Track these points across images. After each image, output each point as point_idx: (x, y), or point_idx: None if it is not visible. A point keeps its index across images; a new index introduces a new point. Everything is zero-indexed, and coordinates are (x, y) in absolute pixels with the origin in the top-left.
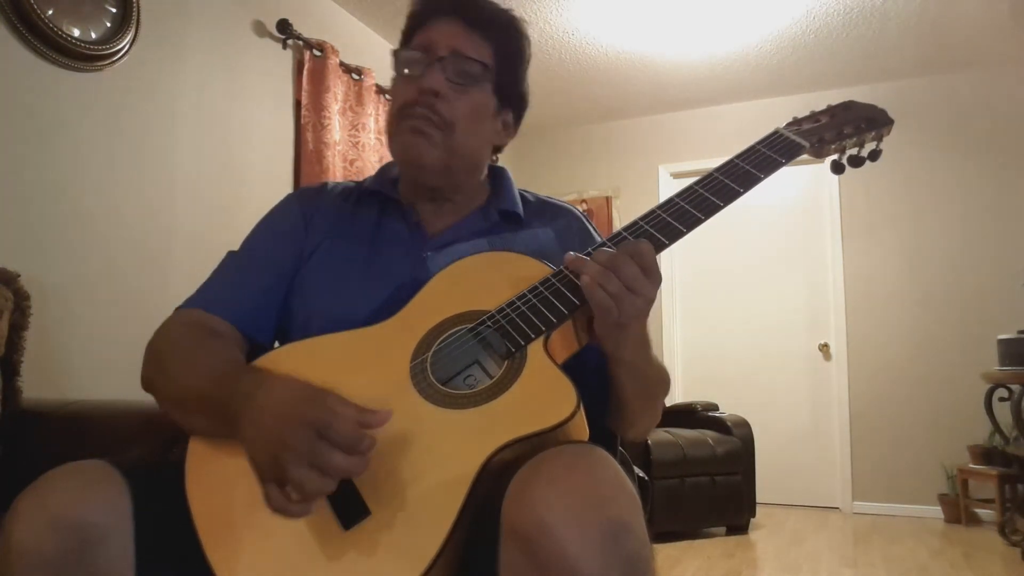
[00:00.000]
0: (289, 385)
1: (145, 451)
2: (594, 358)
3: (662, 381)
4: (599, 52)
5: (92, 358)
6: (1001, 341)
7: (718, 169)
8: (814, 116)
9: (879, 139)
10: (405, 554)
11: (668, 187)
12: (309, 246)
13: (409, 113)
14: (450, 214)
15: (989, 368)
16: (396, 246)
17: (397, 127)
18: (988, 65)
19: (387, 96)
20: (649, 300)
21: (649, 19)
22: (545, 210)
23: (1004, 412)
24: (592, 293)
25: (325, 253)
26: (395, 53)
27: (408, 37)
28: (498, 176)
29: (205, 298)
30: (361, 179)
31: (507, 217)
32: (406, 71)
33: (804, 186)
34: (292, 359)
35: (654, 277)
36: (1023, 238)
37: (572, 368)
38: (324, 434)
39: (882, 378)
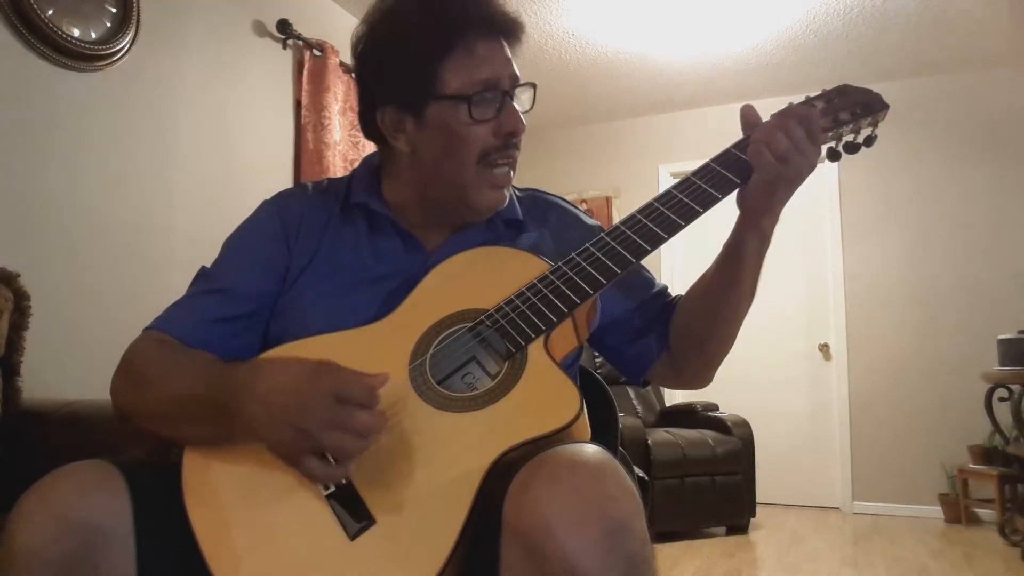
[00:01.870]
0: (290, 365)
1: (145, 451)
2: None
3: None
4: (599, 52)
5: (92, 358)
6: (1001, 341)
7: (715, 159)
8: (809, 102)
9: (875, 124)
10: (412, 564)
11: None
12: (296, 265)
13: (494, 162)
14: (446, 226)
15: (989, 368)
16: (393, 265)
17: (478, 177)
18: (988, 65)
19: None
20: (812, 164)
21: (649, 20)
22: (536, 207)
23: (1004, 412)
24: (760, 151)
25: (315, 273)
26: (460, 96)
27: (432, 60)
28: None
29: (171, 323)
30: (341, 176)
31: (509, 224)
32: (477, 115)
33: (804, 186)
34: None
35: (818, 142)
36: (1023, 238)
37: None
38: (343, 398)
39: (882, 378)
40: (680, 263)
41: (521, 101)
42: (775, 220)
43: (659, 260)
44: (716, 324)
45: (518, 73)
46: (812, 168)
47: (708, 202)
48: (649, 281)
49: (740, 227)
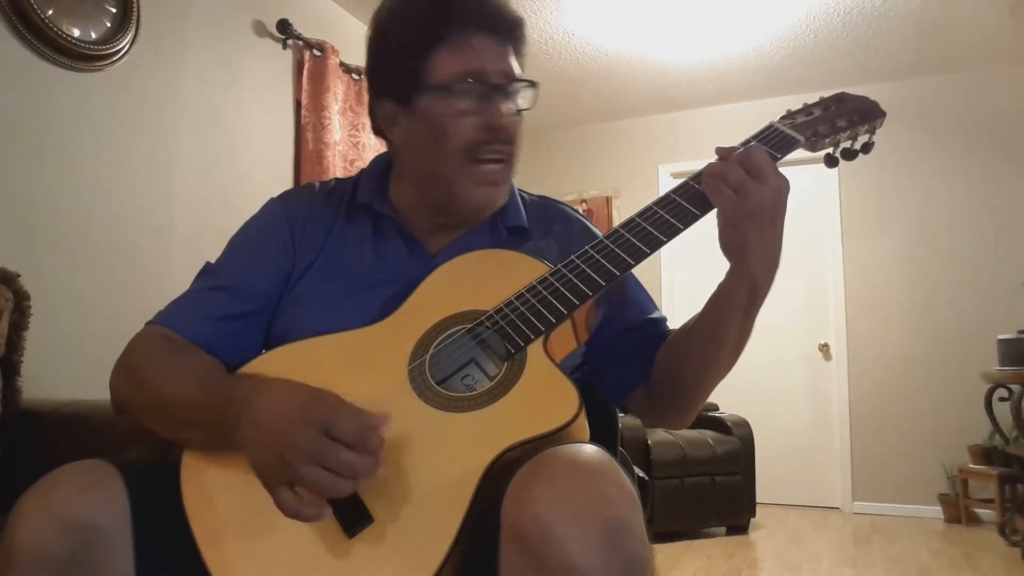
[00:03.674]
0: (290, 387)
1: (145, 451)
2: (631, 319)
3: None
4: (599, 53)
5: (92, 358)
6: (1001, 341)
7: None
8: (807, 109)
9: (872, 132)
10: (410, 562)
11: (668, 187)
12: (300, 265)
13: (479, 157)
14: (451, 228)
15: (989, 368)
16: (396, 266)
17: (464, 171)
18: (988, 65)
19: None
20: (776, 190)
21: (649, 20)
22: (543, 216)
23: (1004, 412)
24: (712, 184)
25: (318, 274)
26: (444, 86)
27: (423, 50)
28: None
29: (175, 319)
30: (349, 176)
31: (513, 232)
32: (460, 106)
33: (804, 187)
34: (284, 363)
35: (777, 174)
36: (1023, 238)
37: (600, 342)
38: (331, 432)
39: (882, 378)
40: (679, 268)
41: (519, 99)
42: (767, 269)
43: (658, 276)
44: (690, 372)
45: (517, 71)
46: (780, 194)
47: (706, 205)
48: (646, 306)
49: (728, 273)
